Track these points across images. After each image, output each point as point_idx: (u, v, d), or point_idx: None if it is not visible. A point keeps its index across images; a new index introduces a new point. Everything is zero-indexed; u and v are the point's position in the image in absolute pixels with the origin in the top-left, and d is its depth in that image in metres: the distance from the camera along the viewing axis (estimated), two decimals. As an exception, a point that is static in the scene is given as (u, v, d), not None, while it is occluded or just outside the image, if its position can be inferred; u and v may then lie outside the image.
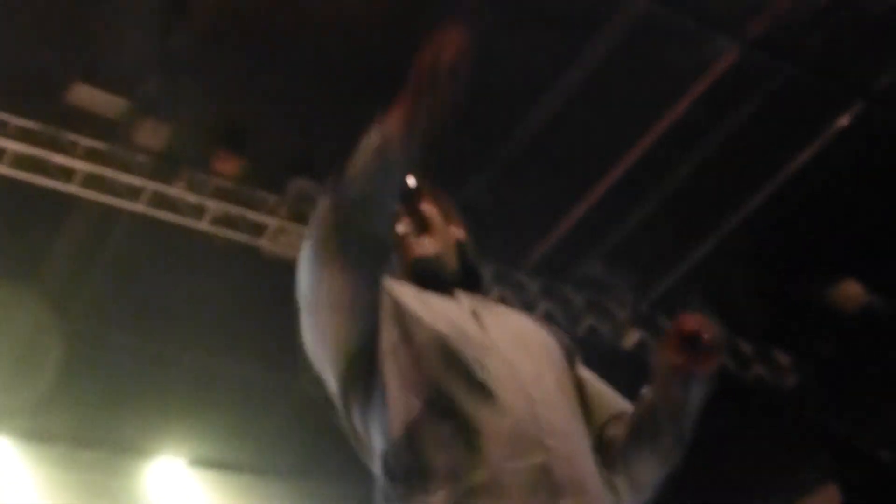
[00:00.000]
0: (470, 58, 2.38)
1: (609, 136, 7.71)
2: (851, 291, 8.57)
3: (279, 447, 9.15)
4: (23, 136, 6.87)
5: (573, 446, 2.37)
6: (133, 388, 8.70)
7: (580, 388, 2.59)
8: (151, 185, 7.17)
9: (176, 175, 7.25)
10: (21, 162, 6.90)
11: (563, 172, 7.99)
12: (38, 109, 6.92)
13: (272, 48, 7.32)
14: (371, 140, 2.36)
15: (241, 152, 7.34)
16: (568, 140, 7.78)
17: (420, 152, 2.40)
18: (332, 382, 2.46)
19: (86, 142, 7.02)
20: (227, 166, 7.34)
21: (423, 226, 2.70)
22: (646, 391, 2.51)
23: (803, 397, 9.18)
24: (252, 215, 7.51)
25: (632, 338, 8.75)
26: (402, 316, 2.42)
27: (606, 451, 2.51)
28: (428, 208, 2.72)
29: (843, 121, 7.76)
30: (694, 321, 2.48)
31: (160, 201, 7.28)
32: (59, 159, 6.97)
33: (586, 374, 2.67)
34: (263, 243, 7.58)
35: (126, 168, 7.12)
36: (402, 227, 2.68)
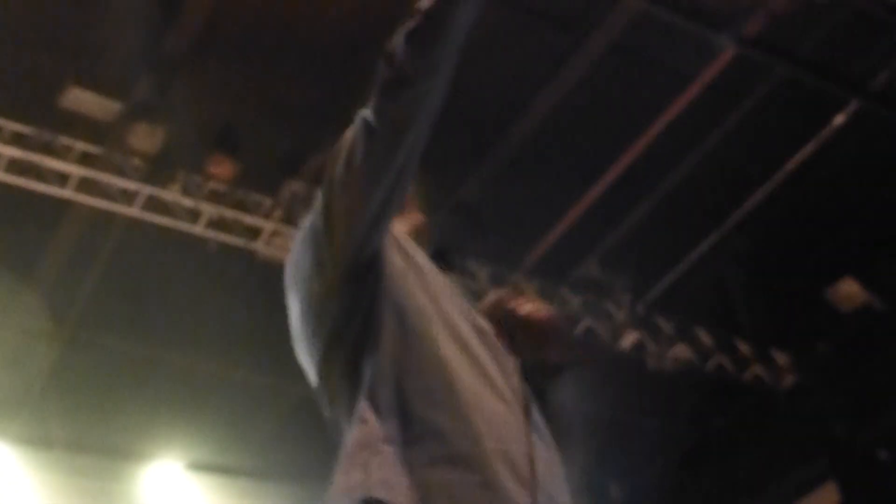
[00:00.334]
0: None
1: (605, 136, 7.70)
2: (849, 290, 8.56)
3: (276, 450, 9.13)
4: (16, 140, 6.84)
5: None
6: (129, 393, 8.68)
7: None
8: (146, 189, 7.15)
9: (170, 179, 7.23)
10: (15, 166, 6.88)
11: (560, 173, 7.97)
12: (31, 114, 6.89)
13: (265, 51, 7.30)
14: None
15: (236, 155, 7.32)
16: (564, 141, 7.77)
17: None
18: (316, 305, 2.43)
19: (80, 146, 6.99)
20: (222, 170, 7.31)
21: None
22: None
23: (802, 397, 9.17)
24: (247, 219, 7.49)
25: (629, 339, 8.74)
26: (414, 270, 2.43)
27: None
28: None
29: (840, 119, 7.75)
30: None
31: (154, 205, 7.26)
32: (53, 163, 6.94)
33: None
34: (258, 246, 7.56)
35: (120, 172, 7.09)
36: None
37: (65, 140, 6.95)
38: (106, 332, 8.40)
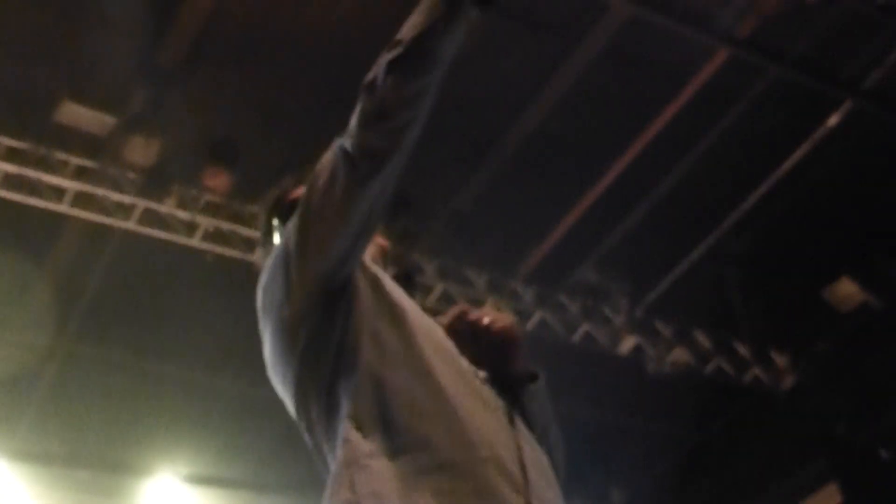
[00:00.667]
0: None
1: (599, 141, 7.70)
2: (847, 290, 8.56)
3: (275, 463, 9.11)
4: (12, 155, 6.84)
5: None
6: (127, 406, 8.67)
7: None
8: (142, 203, 7.15)
9: (166, 192, 7.22)
10: (10, 182, 6.87)
11: (555, 179, 7.97)
12: (26, 129, 6.89)
13: (260, 62, 7.30)
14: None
15: (232, 167, 7.31)
16: (558, 146, 7.77)
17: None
18: (289, 329, 2.44)
19: (75, 160, 6.99)
20: (218, 182, 7.31)
21: None
22: None
23: (802, 398, 9.17)
24: (244, 230, 7.48)
25: (628, 343, 8.74)
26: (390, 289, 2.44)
27: None
28: None
29: (834, 120, 7.76)
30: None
31: (151, 218, 7.26)
32: (49, 178, 6.94)
33: None
34: (256, 258, 7.54)
35: (116, 186, 7.09)
36: None
37: (60, 155, 6.94)
38: (103, 346, 8.39)
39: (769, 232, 8.75)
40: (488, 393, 2.37)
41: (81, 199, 7.07)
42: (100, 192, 7.06)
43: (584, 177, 8.07)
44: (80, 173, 7.03)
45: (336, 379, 2.33)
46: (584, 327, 8.62)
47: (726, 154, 7.95)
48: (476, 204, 8.06)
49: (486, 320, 2.52)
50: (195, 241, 7.37)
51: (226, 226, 7.43)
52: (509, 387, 2.47)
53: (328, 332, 2.36)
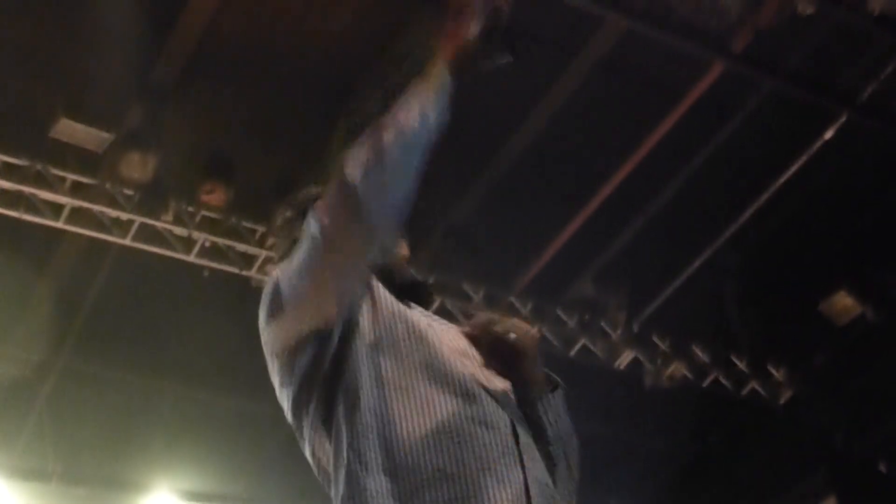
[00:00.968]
0: None
1: (596, 155, 7.71)
2: (843, 303, 8.56)
3: (272, 479, 9.09)
4: (8, 172, 6.84)
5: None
6: (125, 422, 8.66)
7: None
8: (138, 219, 7.15)
9: (163, 208, 7.22)
10: (7, 198, 6.88)
11: (552, 193, 7.98)
12: (22, 145, 6.89)
13: (255, 78, 7.32)
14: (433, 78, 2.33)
15: (228, 183, 7.32)
16: (555, 160, 7.78)
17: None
18: (291, 374, 2.43)
19: (71, 176, 6.99)
20: (214, 197, 7.31)
21: None
22: None
23: (800, 411, 9.17)
24: (240, 246, 7.48)
25: (625, 358, 8.74)
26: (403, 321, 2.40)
27: None
28: None
29: (829, 133, 7.76)
30: None
31: (147, 234, 7.25)
32: (46, 195, 6.94)
33: None
34: (252, 274, 7.55)
35: (112, 202, 7.09)
36: None
37: (57, 171, 6.95)
38: (100, 362, 8.38)
39: (766, 245, 8.75)
40: (493, 410, 2.34)
41: (78, 215, 7.07)
42: (96, 208, 7.06)
43: (581, 191, 8.07)
44: (77, 189, 7.03)
45: (333, 411, 2.34)
46: (582, 341, 8.62)
47: (722, 168, 7.96)
48: (473, 218, 8.06)
49: (506, 331, 2.50)
50: (192, 257, 7.37)
51: (222, 241, 7.43)
52: (527, 398, 2.47)
53: (326, 365, 2.36)
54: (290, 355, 2.40)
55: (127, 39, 6.66)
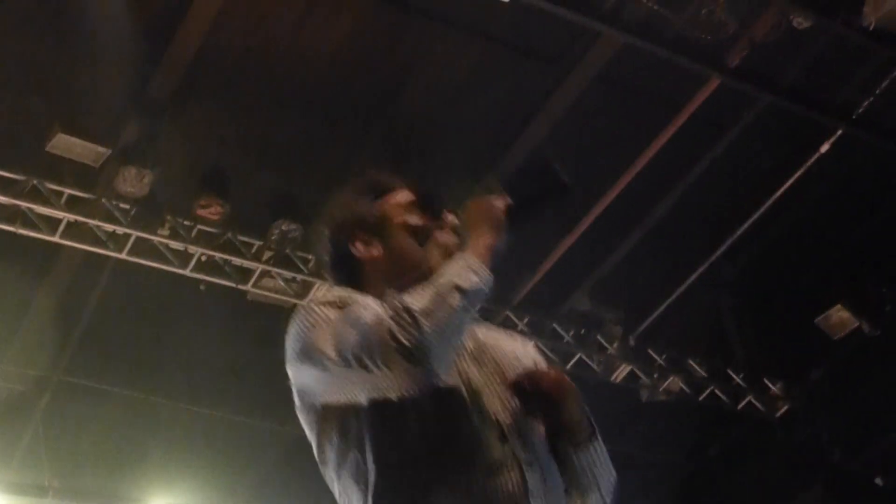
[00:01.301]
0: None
1: (592, 169, 7.71)
2: (840, 317, 8.56)
3: (269, 493, 9.08)
4: (5, 186, 6.84)
5: None
6: (122, 437, 8.65)
7: None
8: (135, 233, 7.15)
9: (159, 222, 7.22)
10: (3, 212, 6.88)
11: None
12: (19, 160, 6.90)
13: (251, 94, 7.33)
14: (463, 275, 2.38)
15: (224, 197, 7.32)
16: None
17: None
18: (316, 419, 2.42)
19: (68, 191, 6.99)
20: (210, 212, 7.31)
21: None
22: None
23: (796, 425, 9.16)
24: (236, 260, 7.48)
25: (622, 372, 8.73)
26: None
27: None
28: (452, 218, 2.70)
29: (825, 147, 7.77)
30: None
31: (144, 249, 7.25)
32: (43, 209, 6.94)
33: None
34: (248, 288, 7.55)
35: (109, 216, 7.09)
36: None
37: (53, 186, 6.95)
38: (97, 377, 8.37)
39: (762, 259, 8.76)
40: (499, 453, 2.34)
41: (74, 230, 7.07)
42: (93, 222, 7.06)
43: (577, 205, 8.08)
44: (73, 204, 7.03)
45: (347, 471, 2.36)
46: (578, 355, 8.62)
47: (718, 182, 7.97)
48: (469, 232, 8.05)
49: (535, 374, 2.50)
50: (188, 271, 7.37)
51: (218, 255, 7.43)
52: (559, 441, 2.49)
53: (336, 443, 2.38)
54: (322, 410, 2.40)
55: (124, 55, 6.68)
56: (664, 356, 8.88)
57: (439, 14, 7.18)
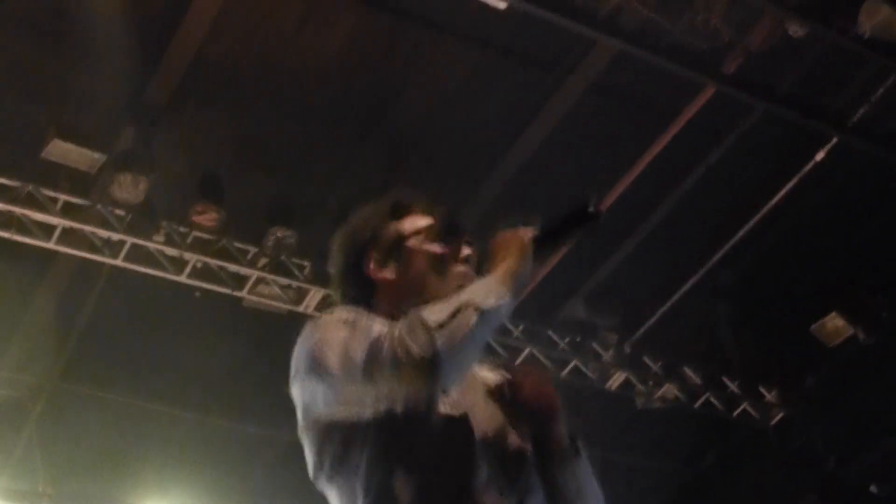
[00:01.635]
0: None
1: (587, 176, 7.71)
2: (835, 325, 8.57)
3: (264, 499, 9.07)
4: (0, 193, 6.83)
5: None
6: (116, 443, 8.63)
7: None
8: (130, 239, 7.14)
9: (154, 229, 7.22)
10: (-1, 219, 6.88)
11: (542, 213, 7.97)
12: (14, 166, 6.89)
13: (247, 100, 7.33)
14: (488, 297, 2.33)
15: (219, 204, 7.32)
16: (546, 181, 7.78)
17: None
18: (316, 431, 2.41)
19: (63, 197, 6.99)
20: (206, 218, 7.31)
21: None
22: None
23: (791, 432, 9.16)
24: (232, 267, 7.48)
25: (617, 379, 8.73)
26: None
27: None
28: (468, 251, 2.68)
29: (820, 155, 7.78)
30: None
31: (139, 255, 7.25)
32: (38, 215, 6.93)
33: None
34: (244, 294, 7.55)
35: (104, 223, 7.08)
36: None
37: (48, 192, 6.94)
38: (92, 383, 8.36)
39: (757, 267, 8.77)
40: (501, 476, 2.33)
41: (69, 236, 7.06)
42: (88, 228, 7.06)
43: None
44: (69, 210, 7.02)
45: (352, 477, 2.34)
46: (573, 363, 8.61)
47: (713, 190, 7.97)
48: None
49: (530, 386, 2.49)
50: (183, 278, 7.36)
51: (214, 262, 7.42)
52: (546, 454, 2.46)
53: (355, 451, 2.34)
54: (325, 422, 2.37)
55: (119, 61, 6.68)
56: (659, 364, 8.88)
57: (436, 20, 7.19)
